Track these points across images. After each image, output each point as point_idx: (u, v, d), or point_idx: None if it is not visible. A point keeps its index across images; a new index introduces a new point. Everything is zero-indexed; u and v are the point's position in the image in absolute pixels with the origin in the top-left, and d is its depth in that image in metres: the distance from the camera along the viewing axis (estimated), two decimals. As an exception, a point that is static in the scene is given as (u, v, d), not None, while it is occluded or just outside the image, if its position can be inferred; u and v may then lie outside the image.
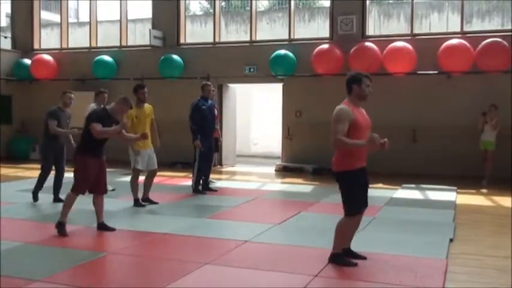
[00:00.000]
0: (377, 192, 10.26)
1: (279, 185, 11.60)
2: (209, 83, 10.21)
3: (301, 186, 11.20)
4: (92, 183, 6.52)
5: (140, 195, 8.42)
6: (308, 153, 13.51)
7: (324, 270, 5.10)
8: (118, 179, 11.81)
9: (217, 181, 11.07)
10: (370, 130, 5.35)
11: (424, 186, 10.80)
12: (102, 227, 6.67)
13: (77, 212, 6.92)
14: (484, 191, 10.53)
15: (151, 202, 8.45)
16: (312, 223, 7.33)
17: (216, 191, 9.92)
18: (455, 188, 10.46)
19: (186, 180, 11.20)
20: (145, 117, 8.32)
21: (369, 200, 8.61)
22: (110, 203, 8.58)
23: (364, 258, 5.44)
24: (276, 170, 13.81)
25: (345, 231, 5.29)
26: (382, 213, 7.99)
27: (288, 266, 5.27)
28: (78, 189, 6.51)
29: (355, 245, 6.00)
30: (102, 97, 9.32)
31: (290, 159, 13.98)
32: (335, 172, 5.28)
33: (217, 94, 13.47)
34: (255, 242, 6.18)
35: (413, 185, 10.89)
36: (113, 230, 6.67)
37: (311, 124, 13.66)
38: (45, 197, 8.56)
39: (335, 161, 5.26)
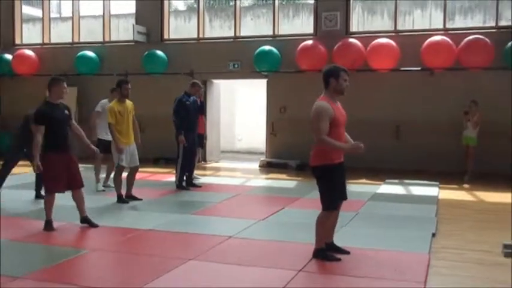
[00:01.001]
0: (360, 187, 10.34)
1: (263, 181, 11.61)
2: (199, 82, 10.14)
3: (285, 181, 11.22)
4: (65, 179, 6.42)
5: (123, 192, 8.38)
6: (292, 149, 13.54)
7: (307, 265, 5.12)
8: (102, 175, 11.73)
9: (202, 177, 11.04)
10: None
11: (407, 181, 10.88)
12: (85, 221, 6.64)
13: (58, 208, 6.85)
14: (466, 186, 10.65)
15: (135, 198, 8.41)
16: (296, 218, 7.35)
17: (200, 186, 9.90)
18: (438, 183, 10.55)
19: (169, 176, 11.16)
20: (128, 113, 8.27)
21: (353, 195, 8.64)
22: (93, 200, 8.56)
23: (347, 252, 5.47)
24: (260, 166, 13.81)
25: (324, 225, 5.30)
26: (365, 209, 8.04)
27: (272, 262, 5.28)
28: (49, 188, 6.44)
29: (339, 240, 6.03)
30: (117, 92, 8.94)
31: (274, 155, 14.00)
32: (312, 166, 5.30)
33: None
34: (239, 238, 6.18)
35: (396, 181, 10.97)
36: (96, 226, 6.63)
37: (295, 120, 13.67)
38: (27, 193, 8.48)
39: (313, 155, 5.27)
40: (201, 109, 10.06)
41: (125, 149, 8.19)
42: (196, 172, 10.51)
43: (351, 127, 13.97)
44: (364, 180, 11.22)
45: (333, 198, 5.26)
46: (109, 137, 8.79)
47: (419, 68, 12.50)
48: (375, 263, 5.25)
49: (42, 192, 7.87)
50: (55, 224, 6.58)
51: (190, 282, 4.73)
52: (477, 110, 11.30)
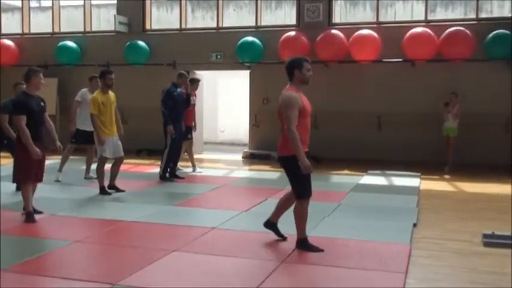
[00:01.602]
0: (343, 178, 10.42)
1: (246, 172, 11.63)
2: (185, 73, 10.11)
3: (268, 173, 11.24)
4: (36, 170, 6.46)
5: (106, 183, 8.34)
6: (275, 141, 13.28)
7: (290, 256, 5.16)
8: (83, 166, 11.65)
9: (184, 168, 11.01)
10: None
11: (389, 172, 10.97)
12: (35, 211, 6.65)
13: (39, 200, 6.81)
14: (447, 176, 10.78)
15: (118, 190, 8.39)
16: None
17: (183, 178, 9.88)
18: (419, 174, 10.66)
19: (152, 168, 11.13)
20: (111, 104, 8.24)
21: (335, 186, 8.74)
22: (75, 191, 8.52)
23: (284, 238, 5.60)
24: (243, 157, 13.82)
25: (302, 214, 5.34)
26: (347, 200, 8.10)
27: (255, 253, 5.31)
28: (22, 178, 6.45)
29: (321, 231, 6.09)
30: (95, 82, 9.18)
31: (257, 147, 14.01)
32: (280, 156, 5.38)
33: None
34: (222, 229, 6.20)
35: (378, 171, 11.06)
36: (41, 212, 6.66)
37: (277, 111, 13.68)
38: (7, 185, 8.39)
39: (280, 145, 5.36)
40: (187, 101, 10.04)
41: (107, 140, 8.14)
42: (180, 164, 10.48)
43: (333, 118, 14.11)
44: (346, 171, 11.30)
45: (304, 186, 5.30)
46: (88, 128, 8.85)
47: (401, 60, 12.58)
48: (356, 253, 5.30)
49: None
50: (36, 216, 6.53)
51: (174, 273, 4.73)
52: (457, 101, 11.42)
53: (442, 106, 11.60)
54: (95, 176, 9.00)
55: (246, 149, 14.21)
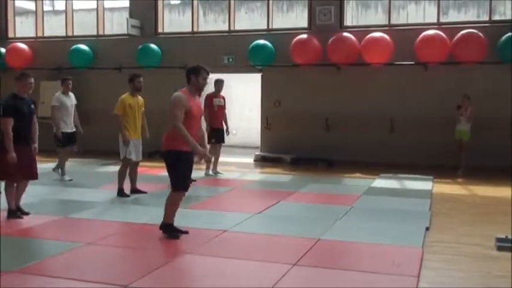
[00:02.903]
0: (355, 181, 10.38)
1: (257, 175, 11.63)
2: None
3: (280, 176, 11.24)
4: (22, 170, 6.58)
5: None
6: (286, 143, 13.57)
7: (302, 259, 5.15)
8: (97, 169, 11.75)
9: (195, 171, 10.98)
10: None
11: (401, 175, 10.92)
12: (18, 209, 6.76)
13: (49, 202, 6.87)
14: (460, 180, 10.70)
15: (140, 192, 8.45)
16: (291, 212, 7.37)
17: (195, 181, 9.87)
18: (432, 177, 10.60)
19: (163, 171, 11.15)
20: (138, 107, 8.36)
21: (347, 189, 8.74)
22: (92, 193, 8.57)
23: (186, 232, 5.91)
24: (254, 160, 13.82)
25: (173, 204, 5.83)
26: (359, 203, 8.07)
27: (266, 255, 5.30)
28: (10, 177, 6.60)
29: (332, 234, 6.08)
30: (66, 84, 9.82)
31: (269, 149, 14.01)
32: (163, 151, 5.77)
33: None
34: (234, 232, 6.20)
35: (390, 175, 11.00)
36: (27, 213, 6.74)
37: (289, 114, 13.69)
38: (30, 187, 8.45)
39: (164, 141, 5.75)
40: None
41: (130, 142, 8.22)
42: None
43: (344, 121, 14.11)
44: (358, 175, 11.26)
45: (181, 180, 5.75)
46: (69, 129, 9.59)
47: (413, 62, 12.53)
48: (368, 256, 5.29)
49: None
50: (49, 218, 6.59)
51: (186, 275, 4.74)
52: (470, 104, 11.35)
53: (454, 109, 11.53)
54: (60, 174, 9.65)
55: (258, 152, 14.21)
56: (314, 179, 10.59)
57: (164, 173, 10.92)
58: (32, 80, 6.76)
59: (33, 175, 6.80)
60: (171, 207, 5.84)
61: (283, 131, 13.78)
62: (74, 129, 9.90)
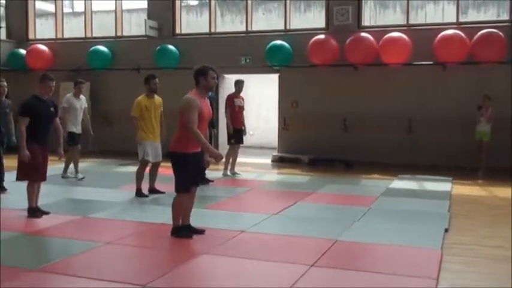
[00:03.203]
0: (373, 182, 10.33)
1: (275, 176, 11.63)
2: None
3: (298, 176, 11.22)
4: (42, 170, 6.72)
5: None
6: (304, 144, 13.54)
7: (320, 260, 5.13)
8: (115, 169, 11.84)
9: (213, 171, 11.03)
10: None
11: (420, 176, 10.84)
12: (38, 210, 6.83)
13: (67, 202, 6.94)
14: (480, 181, 10.59)
15: (158, 192, 8.49)
16: (309, 213, 7.36)
17: (212, 181, 9.91)
18: (451, 178, 10.51)
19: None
20: (155, 109, 8.33)
21: (365, 190, 8.69)
22: (110, 193, 8.64)
23: (202, 231, 5.97)
24: (272, 161, 13.82)
25: (178, 206, 5.87)
26: (377, 204, 8.03)
27: (284, 256, 5.30)
28: (30, 177, 6.69)
29: (351, 235, 6.06)
30: (78, 87, 10.00)
31: (286, 150, 14.00)
32: (170, 152, 5.82)
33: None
34: (251, 232, 6.20)
35: (409, 176, 10.93)
36: (47, 213, 6.80)
37: (307, 115, 13.66)
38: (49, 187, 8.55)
39: (172, 142, 5.81)
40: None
41: (148, 144, 8.24)
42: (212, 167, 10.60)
43: (362, 122, 14.04)
44: (376, 175, 11.20)
45: (185, 182, 5.77)
46: (76, 130, 9.72)
47: (431, 62, 12.43)
48: (386, 258, 5.26)
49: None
50: (68, 218, 6.66)
51: (203, 275, 4.76)
52: (490, 104, 11.23)
53: (474, 109, 11.42)
54: (72, 175, 9.74)
55: (275, 153, 14.21)
56: (332, 179, 10.56)
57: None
58: (53, 83, 6.83)
59: (41, 176, 6.84)
60: (174, 210, 5.90)
61: (301, 132, 13.75)
62: (80, 132, 10.09)
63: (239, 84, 10.76)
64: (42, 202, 7.12)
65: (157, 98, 8.44)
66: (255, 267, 5.00)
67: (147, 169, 8.53)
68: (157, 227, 6.45)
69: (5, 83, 8.73)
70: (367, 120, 13.02)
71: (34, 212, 6.80)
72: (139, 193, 8.32)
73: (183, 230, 5.91)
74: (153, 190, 8.53)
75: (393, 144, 12.78)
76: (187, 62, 14.55)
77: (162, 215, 7.03)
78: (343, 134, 13.24)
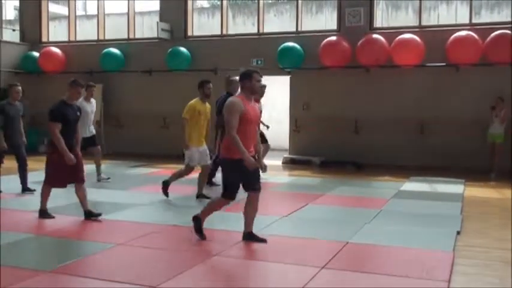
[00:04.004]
0: (384, 184, 10.29)
1: (286, 178, 11.62)
2: (236, 78, 10.06)
3: (309, 178, 11.20)
4: (69, 174, 6.70)
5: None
6: (315, 146, 13.53)
7: (330, 262, 5.12)
8: (127, 171, 11.90)
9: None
10: (259, 124, 5.95)
11: (432, 178, 10.79)
12: (89, 214, 6.79)
13: (79, 204, 6.96)
14: (492, 183, 10.51)
15: (206, 197, 8.20)
16: (320, 215, 7.35)
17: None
18: (463, 180, 10.44)
19: (194, 173, 11.24)
20: (206, 114, 8.22)
21: (377, 192, 8.62)
22: (122, 195, 8.67)
23: (264, 240, 5.75)
24: (283, 163, 13.82)
25: (215, 204, 5.93)
26: (389, 206, 8.00)
27: (295, 258, 5.29)
28: (51, 182, 6.76)
29: (362, 237, 6.03)
30: (90, 91, 10.05)
31: (297, 152, 13.99)
32: (221, 158, 5.79)
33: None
34: (262, 234, 6.19)
35: (421, 178, 10.88)
36: (98, 215, 6.80)
37: (318, 117, 13.65)
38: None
39: (221, 149, 5.78)
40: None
41: (194, 149, 8.13)
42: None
43: (374, 124, 13.98)
44: (388, 177, 11.16)
45: (229, 188, 5.67)
46: (85, 134, 9.53)
47: (444, 64, 12.37)
48: (398, 260, 5.23)
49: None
50: (80, 219, 6.71)
51: (214, 277, 4.77)
52: (504, 106, 11.16)
53: (487, 110, 11.35)
54: (106, 176, 9.71)
55: (286, 154, 14.20)
56: (343, 181, 10.53)
57: (193, 174, 11.05)
58: (83, 89, 7.00)
59: (81, 177, 6.84)
60: (210, 206, 5.95)
61: (312, 134, 13.74)
62: (93, 133, 10.10)
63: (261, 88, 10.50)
64: (55, 204, 7.18)
65: (208, 105, 8.30)
66: (266, 269, 5.00)
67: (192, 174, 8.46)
68: (170, 229, 6.48)
69: (20, 88, 8.76)
70: (378, 122, 12.98)
71: (45, 213, 6.86)
72: (164, 190, 8.29)
73: (253, 236, 5.81)
74: (201, 195, 8.29)
75: (405, 146, 12.73)
76: (199, 64, 14.63)
77: (175, 217, 7.07)
78: (354, 136, 13.21)
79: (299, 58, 13.56)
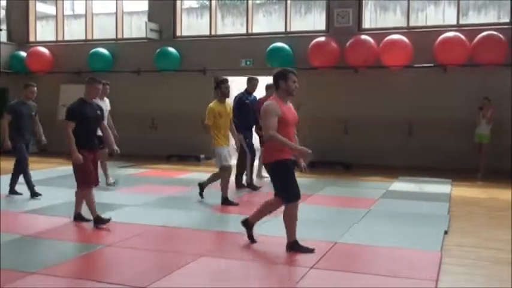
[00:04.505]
0: (373, 184, 10.34)
1: (275, 178, 11.58)
2: (256, 77, 9.98)
3: (298, 179, 11.12)
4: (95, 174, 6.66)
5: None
6: (306, 146, 13.48)
7: (319, 262, 5.14)
8: (116, 172, 11.83)
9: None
10: (297, 124, 5.67)
11: (420, 178, 10.85)
12: (98, 221, 6.65)
13: (71, 204, 6.94)
14: (479, 183, 10.60)
15: (232, 203, 8.02)
16: (308, 215, 7.33)
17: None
18: (450, 180, 10.51)
19: (184, 173, 11.22)
20: (226, 114, 7.97)
21: (365, 192, 8.65)
22: (110, 195, 8.64)
23: (312, 251, 5.42)
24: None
25: (292, 217, 5.46)
26: (377, 206, 8.04)
27: (283, 258, 5.31)
28: (82, 182, 6.58)
29: (350, 237, 6.06)
30: (104, 89, 9.56)
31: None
32: (267, 163, 5.58)
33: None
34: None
35: (409, 178, 10.94)
36: (107, 220, 6.63)
37: (308, 117, 13.65)
38: (41, 189, 8.57)
39: (265, 154, 5.56)
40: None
41: (223, 150, 7.90)
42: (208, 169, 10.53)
43: (363, 124, 14.00)
44: (376, 177, 11.21)
45: (291, 189, 5.44)
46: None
47: (432, 65, 12.45)
48: (386, 260, 5.26)
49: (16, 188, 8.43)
50: (70, 220, 6.68)
51: (201, 278, 4.76)
52: (490, 106, 11.25)
53: (475, 111, 11.43)
54: (113, 180, 9.51)
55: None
56: (332, 181, 10.57)
57: (182, 175, 11.02)
58: (101, 86, 6.85)
59: (92, 181, 6.67)
60: (290, 222, 5.45)
61: (304, 134, 13.72)
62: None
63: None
64: (40, 206, 7.12)
65: (228, 103, 8.08)
66: (254, 269, 5.01)
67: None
68: (158, 229, 6.47)
69: (35, 88, 8.66)
70: (367, 122, 13.03)
71: (79, 216, 6.75)
72: (227, 201, 7.94)
73: (300, 245, 5.45)
74: (226, 200, 8.04)
75: (393, 146, 12.80)
76: (187, 65, 14.61)
77: (163, 217, 7.04)
78: (343, 136, 13.25)
79: (288, 58, 13.57)
